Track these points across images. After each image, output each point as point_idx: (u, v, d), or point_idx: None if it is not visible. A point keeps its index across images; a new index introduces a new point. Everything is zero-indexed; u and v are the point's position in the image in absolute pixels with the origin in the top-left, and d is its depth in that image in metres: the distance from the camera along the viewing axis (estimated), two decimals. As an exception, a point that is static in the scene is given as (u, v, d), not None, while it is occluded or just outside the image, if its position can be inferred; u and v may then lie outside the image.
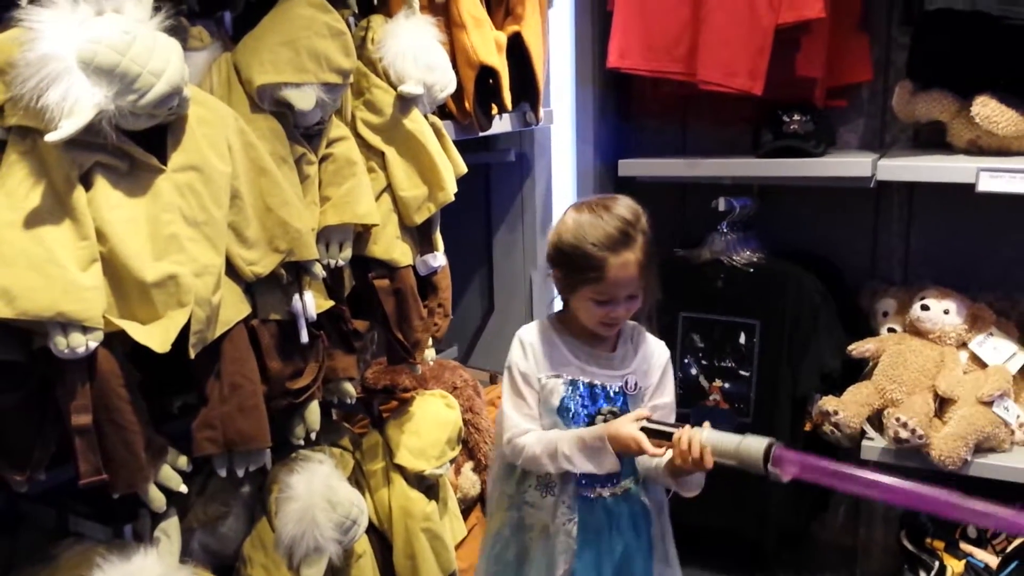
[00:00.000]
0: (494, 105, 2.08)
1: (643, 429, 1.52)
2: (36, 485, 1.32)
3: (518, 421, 1.59)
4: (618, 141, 2.64)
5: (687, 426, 1.51)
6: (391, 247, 1.65)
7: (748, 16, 2.17)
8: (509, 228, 2.59)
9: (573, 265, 1.55)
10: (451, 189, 1.70)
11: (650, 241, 1.56)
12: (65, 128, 1.09)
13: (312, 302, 1.48)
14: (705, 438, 1.48)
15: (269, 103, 1.43)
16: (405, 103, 1.64)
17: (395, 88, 1.63)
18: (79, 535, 1.42)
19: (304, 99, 1.42)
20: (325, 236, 1.53)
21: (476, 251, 2.66)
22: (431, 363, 1.89)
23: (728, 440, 1.47)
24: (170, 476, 1.33)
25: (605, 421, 1.58)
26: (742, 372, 2.40)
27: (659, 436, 1.51)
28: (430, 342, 1.83)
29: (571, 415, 1.60)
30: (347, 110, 1.63)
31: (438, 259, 1.75)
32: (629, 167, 2.48)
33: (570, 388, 1.60)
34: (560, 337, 1.63)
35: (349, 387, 1.65)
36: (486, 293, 2.70)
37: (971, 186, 2.01)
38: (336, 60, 1.45)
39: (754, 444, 1.44)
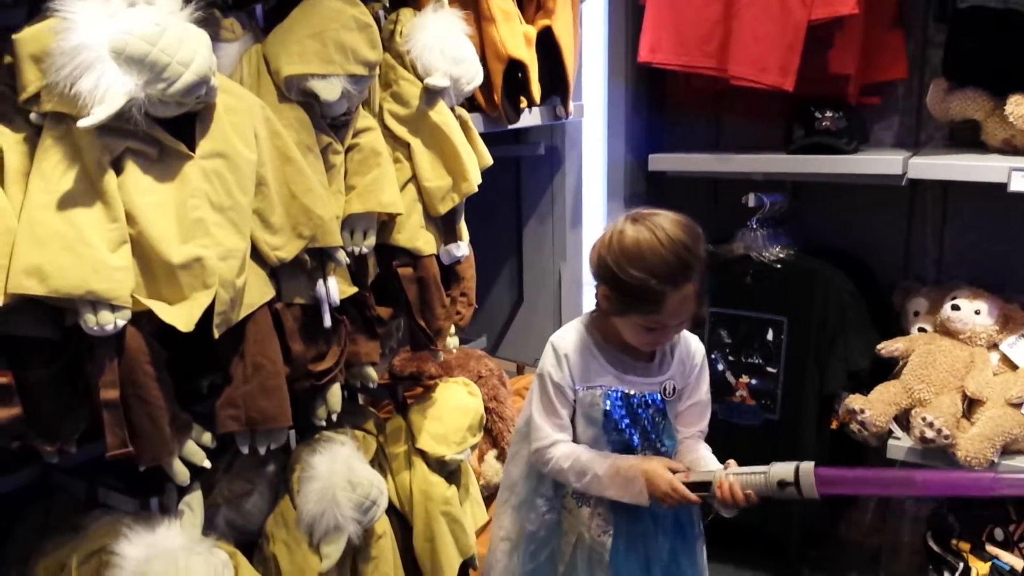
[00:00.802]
0: (523, 98, 2.10)
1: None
2: (68, 459, 1.38)
3: (549, 432, 1.59)
4: (650, 136, 2.65)
5: (717, 470, 1.54)
6: (415, 236, 1.69)
7: (780, 12, 2.17)
8: (539, 220, 2.62)
9: (629, 292, 1.49)
10: (475, 180, 1.73)
11: (705, 264, 1.51)
12: (97, 115, 1.14)
13: (336, 287, 1.52)
14: (734, 478, 1.51)
15: (296, 93, 1.47)
16: (431, 95, 1.67)
17: (422, 81, 1.67)
18: (108, 507, 1.48)
19: (330, 90, 1.45)
20: (350, 224, 1.57)
21: (506, 243, 2.69)
22: (454, 351, 1.92)
23: (758, 475, 1.50)
24: (194, 451, 1.38)
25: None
26: (769, 368, 2.40)
27: (696, 487, 1.54)
28: (453, 330, 1.86)
29: (615, 427, 1.60)
30: (375, 101, 1.66)
31: (462, 249, 1.78)
32: (659, 162, 2.49)
33: (609, 400, 1.59)
34: (597, 346, 1.60)
35: (371, 371, 1.68)
36: (515, 285, 2.72)
37: (1004, 186, 1.99)
38: (362, 52, 1.48)
39: (782, 470, 1.48)
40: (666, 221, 1.50)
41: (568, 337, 1.61)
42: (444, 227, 1.76)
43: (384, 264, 1.70)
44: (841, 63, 2.29)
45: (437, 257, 1.75)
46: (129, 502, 1.48)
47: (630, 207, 2.62)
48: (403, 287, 1.69)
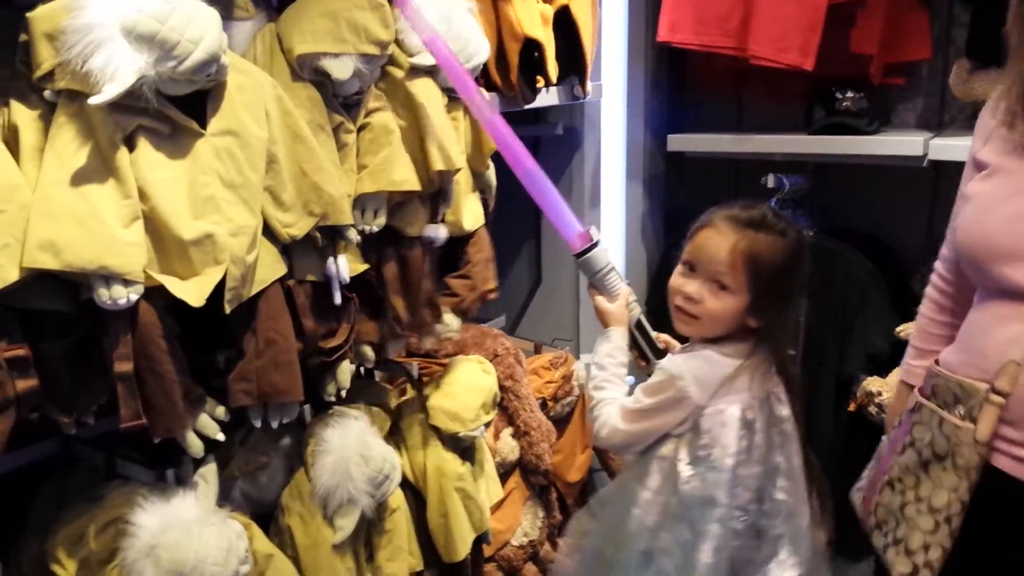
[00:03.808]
0: (540, 78, 2.10)
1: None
2: (88, 430, 1.42)
3: None
4: (670, 116, 2.64)
5: None
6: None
7: (801, -10, 2.15)
8: (558, 201, 2.61)
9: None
10: (439, 163, 1.66)
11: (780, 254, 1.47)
12: (107, 92, 1.15)
13: (346, 265, 1.53)
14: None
15: (308, 72, 1.48)
16: (414, 73, 1.65)
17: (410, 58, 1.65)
18: (126, 477, 1.51)
19: (342, 69, 1.47)
20: (361, 203, 1.57)
21: (525, 223, 2.69)
22: (453, 335, 1.90)
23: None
24: (207, 424, 1.40)
25: None
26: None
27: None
28: (449, 311, 1.85)
29: None
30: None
31: (437, 231, 1.76)
32: (678, 142, 2.48)
33: None
34: None
35: (368, 351, 1.68)
36: (534, 265, 2.73)
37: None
38: (375, 32, 1.49)
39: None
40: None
41: None
42: (430, 206, 1.75)
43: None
44: (863, 43, 2.27)
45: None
46: (146, 473, 1.51)
47: (649, 188, 2.65)
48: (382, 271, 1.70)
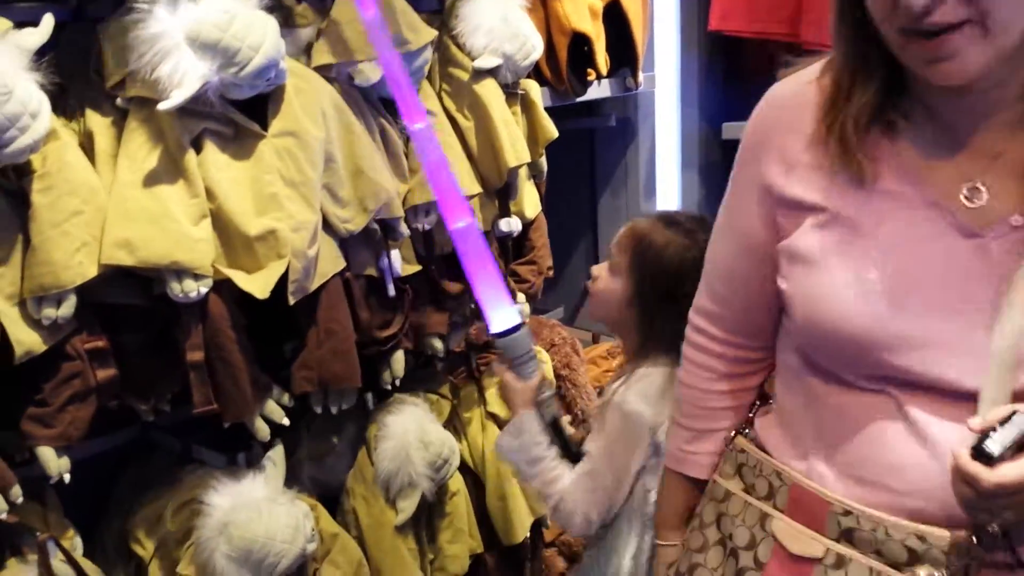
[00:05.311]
0: (590, 71, 2.13)
1: None
2: (164, 418, 1.51)
3: None
4: (724, 104, 2.64)
5: None
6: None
7: (854, -25, 2.13)
8: (614, 193, 2.64)
9: None
10: (512, 158, 1.73)
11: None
12: (175, 98, 1.24)
13: (399, 259, 1.58)
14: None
15: (345, 80, 1.54)
16: (479, 75, 1.70)
17: (472, 61, 1.70)
18: (200, 461, 1.60)
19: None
20: (413, 208, 1.63)
21: (582, 215, 2.72)
22: (527, 318, 1.97)
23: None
24: (273, 410, 1.48)
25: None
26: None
27: None
28: (523, 299, 1.92)
29: None
30: (436, 81, 1.73)
31: (512, 224, 1.83)
32: (733, 130, 2.48)
33: None
34: None
35: (437, 343, 1.74)
36: (591, 256, 2.76)
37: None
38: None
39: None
40: None
41: None
42: (499, 201, 1.82)
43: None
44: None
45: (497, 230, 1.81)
46: (218, 457, 1.59)
47: (704, 176, 2.65)
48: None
